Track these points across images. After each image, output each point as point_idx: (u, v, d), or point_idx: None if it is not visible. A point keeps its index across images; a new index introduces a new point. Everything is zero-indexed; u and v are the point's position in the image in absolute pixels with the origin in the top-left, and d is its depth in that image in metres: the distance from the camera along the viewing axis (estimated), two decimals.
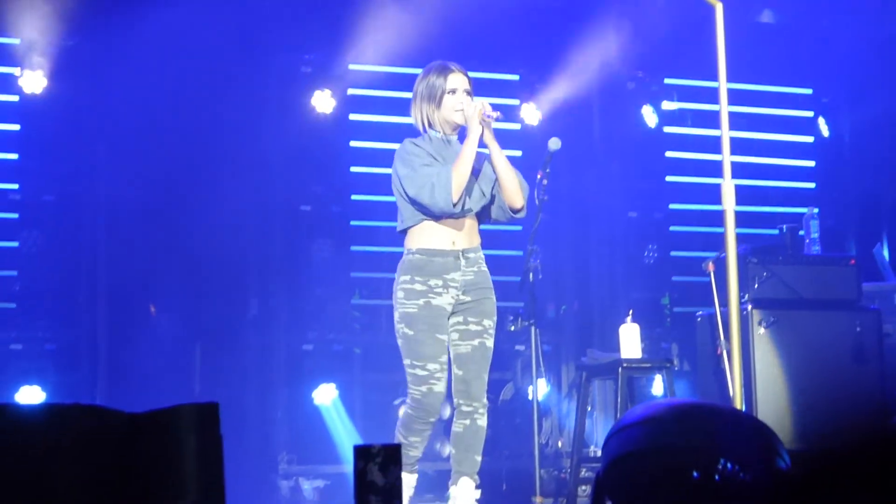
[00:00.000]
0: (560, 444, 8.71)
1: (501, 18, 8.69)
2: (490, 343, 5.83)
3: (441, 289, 5.71)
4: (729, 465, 3.41)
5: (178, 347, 8.41)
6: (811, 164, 10.18)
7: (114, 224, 8.34)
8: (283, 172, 8.72)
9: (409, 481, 5.86)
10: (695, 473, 3.41)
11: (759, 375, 7.02)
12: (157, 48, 8.14)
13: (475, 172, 5.84)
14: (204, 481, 2.81)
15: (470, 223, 5.85)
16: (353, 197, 8.88)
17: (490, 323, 5.83)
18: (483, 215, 5.96)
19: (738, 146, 9.44)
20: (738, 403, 4.78)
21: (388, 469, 3.16)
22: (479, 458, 5.78)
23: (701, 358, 7.75)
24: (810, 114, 10.19)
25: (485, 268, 5.89)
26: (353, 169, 8.90)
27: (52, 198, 8.38)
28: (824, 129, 10.16)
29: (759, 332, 7.04)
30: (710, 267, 7.09)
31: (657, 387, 8.37)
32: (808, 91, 10.20)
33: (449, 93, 5.83)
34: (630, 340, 7.00)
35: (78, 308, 8.27)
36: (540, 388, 7.42)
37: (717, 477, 3.41)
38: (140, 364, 8.05)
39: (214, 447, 2.85)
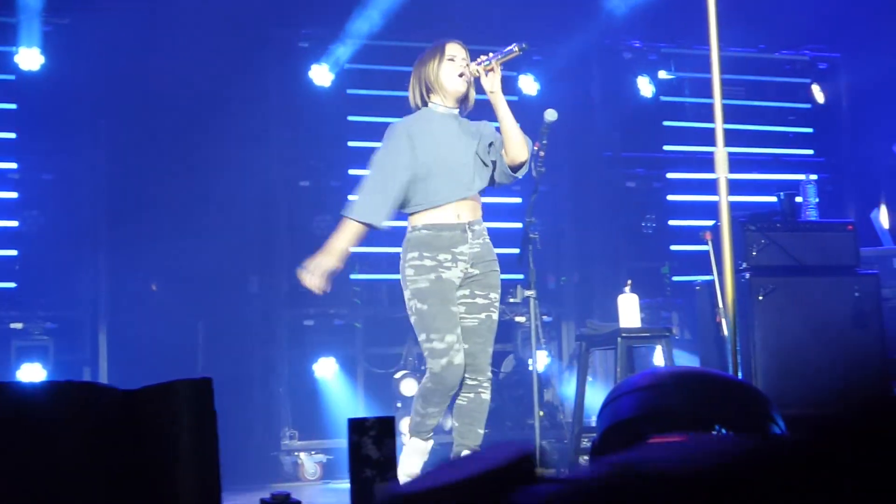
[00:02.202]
0: (562, 414, 8.73)
1: None
2: (496, 316, 5.79)
3: (450, 263, 5.65)
4: (724, 431, 3.42)
5: (181, 325, 8.43)
6: (809, 130, 10.17)
7: (114, 201, 8.35)
8: (282, 148, 8.73)
9: (423, 447, 5.82)
10: None
11: (760, 342, 7.03)
12: (154, 24, 8.14)
13: (470, 143, 5.79)
14: (199, 454, 2.84)
15: (474, 197, 5.79)
16: (351, 171, 8.87)
17: (496, 296, 5.78)
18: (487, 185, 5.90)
19: (736, 114, 9.47)
20: (735, 371, 4.79)
21: (382, 442, 3.19)
22: (482, 432, 5.77)
23: (701, 326, 7.76)
24: (807, 80, 10.18)
25: (488, 240, 5.83)
26: (351, 143, 8.90)
27: (51, 176, 8.39)
28: (819, 96, 10.15)
29: (759, 300, 7.05)
30: (708, 235, 7.09)
31: (658, 356, 8.39)
32: (805, 58, 10.17)
33: (448, 60, 5.77)
34: (629, 310, 7.00)
35: (79, 287, 8.28)
36: (541, 360, 7.44)
37: None
38: (143, 342, 8.08)
39: (209, 421, 2.88)
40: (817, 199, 7.77)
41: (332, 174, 8.84)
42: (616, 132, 9.51)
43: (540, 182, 6.81)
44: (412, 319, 5.69)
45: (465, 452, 5.64)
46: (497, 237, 8.89)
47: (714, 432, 3.44)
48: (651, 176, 9.66)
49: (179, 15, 8.09)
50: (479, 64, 5.68)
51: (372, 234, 8.55)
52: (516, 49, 5.61)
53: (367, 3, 8.70)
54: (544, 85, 9.23)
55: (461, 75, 5.74)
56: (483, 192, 5.90)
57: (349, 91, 8.89)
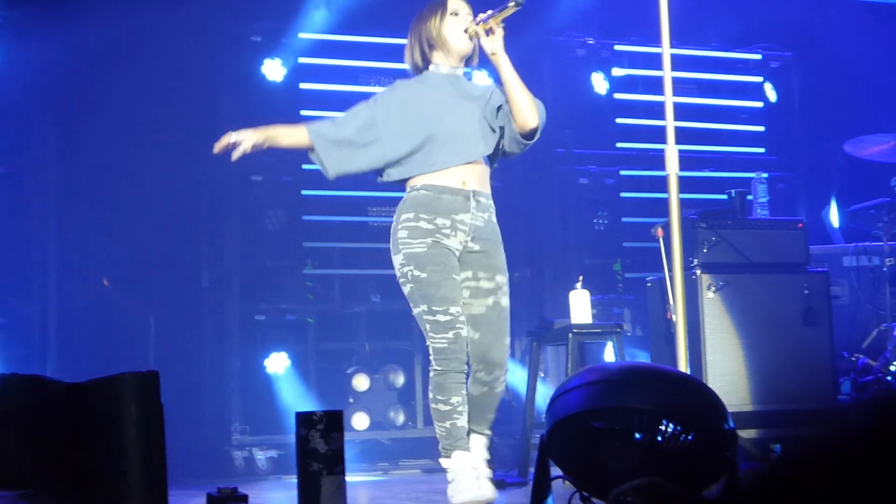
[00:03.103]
0: (514, 410, 8.75)
1: None
2: (506, 302, 5.34)
3: (449, 230, 5.11)
4: (671, 426, 3.44)
5: (132, 319, 8.38)
6: (761, 129, 10.24)
7: (64, 196, 8.30)
8: None
9: (470, 461, 5.15)
10: (637, 434, 3.45)
11: (709, 339, 7.05)
12: (105, 18, 8.08)
13: (476, 107, 5.32)
14: (144, 447, 2.82)
15: (482, 167, 5.28)
16: (304, 166, 8.84)
17: (502, 279, 5.32)
18: (493, 156, 5.38)
19: (689, 112, 9.52)
20: (684, 367, 4.82)
21: (330, 435, 3.18)
22: (492, 417, 5.25)
23: (652, 323, 7.79)
24: (759, 79, 10.24)
25: (495, 219, 5.35)
26: None
27: (1, 170, 8.32)
28: (772, 95, 10.22)
29: (709, 296, 7.07)
30: (660, 232, 7.11)
31: (609, 352, 8.42)
32: (758, 56, 10.24)
33: (451, 14, 5.28)
34: (580, 306, 7.02)
35: (29, 282, 8.22)
36: None
37: (659, 438, 3.44)
38: (94, 336, 8.03)
39: (155, 414, 2.87)
40: (768, 198, 7.82)
41: (284, 169, 8.78)
42: (569, 129, 9.53)
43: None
44: (406, 289, 5.14)
45: (474, 437, 5.20)
46: None
47: (662, 427, 3.46)
48: (604, 173, 9.69)
49: (130, 8, 8.04)
50: (476, 23, 5.22)
51: (325, 229, 8.57)
52: (511, 4, 5.09)
53: None
54: (498, 81, 9.22)
55: (466, 31, 5.25)
56: (493, 162, 5.43)
57: (302, 86, 8.86)
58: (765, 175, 7.97)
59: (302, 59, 8.87)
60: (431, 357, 5.13)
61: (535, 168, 9.41)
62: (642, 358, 8.27)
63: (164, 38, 8.28)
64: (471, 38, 5.27)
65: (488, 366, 5.18)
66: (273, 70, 8.75)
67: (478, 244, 5.19)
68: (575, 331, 6.92)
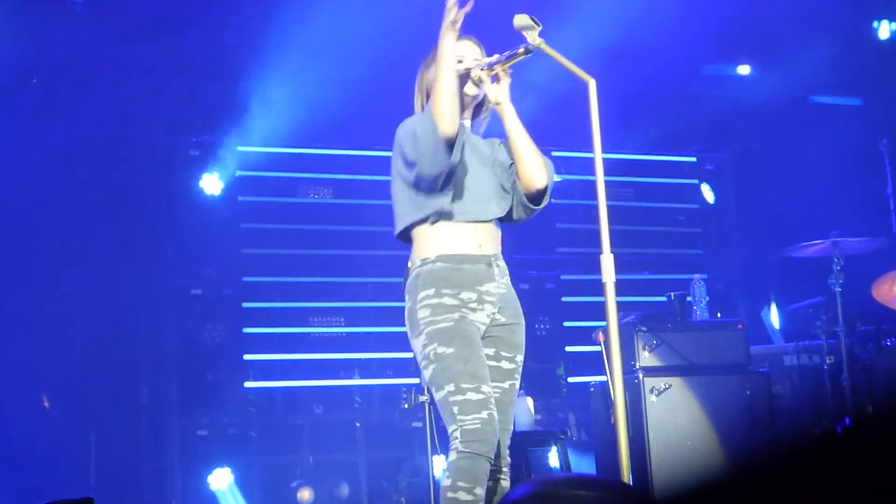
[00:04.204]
0: None
1: (378, 100, 8.57)
2: (518, 384, 4.60)
3: (476, 304, 4.48)
4: None
5: (72, 437, 8.26)
6: (698, 230, 10.33)
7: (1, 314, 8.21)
8: (174, 256, 8.65)
9: None
10: None
11: (654, 442, 7.04)
12: (45, 130, 8.07)
13: (486, 163, 4.74)
14: None
15: (494, 228, 4.67)
16: (245, 278, 8.83)
17: (521, 359, 4.63)
18: (504, 219, 4.78)
19: (626, 216, 9.58)
20: (625, 472, 4.78)
21: None
22: None
23: (597, 427, 7.78)
24: (695, 181, 10.36)
25: (510, 282, 4.70)
26: (244, 250, 8.85)
27: None
28: (709, 196, 10.33)
29: (652, 400, 7.08)
30: (601, 337, 7.11)
31: (553, 458, 8.37)
32: (693, 159, 10.36)
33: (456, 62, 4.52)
34: (523, 413, 7.00)
35: None
36: (438, 465, 7.37)
37: None
38: (33, 456, 7.90)
39: None
40: (707, 298, 7.86)
41: (225, 282, 8.77)
42: (508, 234, 9.53)
43: None
44: (429, 371, 4.38)
45: None
46: (393, 342, 8.95)
47: None
48: (544, 277, 9.73)
49: (71, 121, 8.04)
50: (481, 69, 4.61)
51: (265, 342, 8.49)
52: (522, 50, 4.50)
53: (257, 112, 8.70)
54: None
55: (470, 77, 4.62)
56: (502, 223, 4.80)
57: (241, 198, 8.86)
58: (702, 276, 8.02)
59: (240, 172, 8.87)
60: (458, 440, 4.27)
61: None
62: (587, 462, 8.24)
63: (102, 153, 8.28)
64: (477, 85, 4.68)
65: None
66: (211, 184, 8.75)
67: (504, 315, 4.58)
68: (519, 438, 6.87)
